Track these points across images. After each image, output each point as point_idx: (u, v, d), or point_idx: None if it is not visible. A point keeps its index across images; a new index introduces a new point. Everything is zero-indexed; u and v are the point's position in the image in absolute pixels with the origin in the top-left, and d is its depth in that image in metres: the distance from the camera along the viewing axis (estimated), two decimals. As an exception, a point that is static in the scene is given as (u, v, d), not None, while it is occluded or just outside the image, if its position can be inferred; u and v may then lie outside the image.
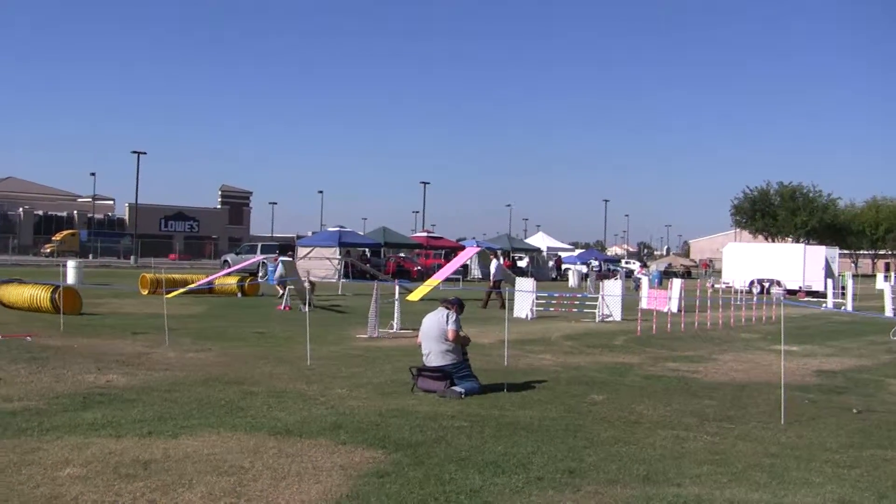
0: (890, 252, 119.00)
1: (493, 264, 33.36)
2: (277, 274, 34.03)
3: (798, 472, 8.38)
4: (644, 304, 30.33)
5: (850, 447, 9.61)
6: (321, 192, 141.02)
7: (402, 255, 61.66)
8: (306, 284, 27.35)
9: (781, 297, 37.07)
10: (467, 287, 43.57)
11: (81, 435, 8.93)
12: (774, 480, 8.01)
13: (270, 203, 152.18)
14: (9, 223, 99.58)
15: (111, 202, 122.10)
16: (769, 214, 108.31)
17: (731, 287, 45.55)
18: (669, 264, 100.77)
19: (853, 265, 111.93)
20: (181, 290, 32.26)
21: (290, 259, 37.01)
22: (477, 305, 30.11)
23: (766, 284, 52.41)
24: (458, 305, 12.97)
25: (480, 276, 56.04)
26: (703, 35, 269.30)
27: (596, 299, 28.52)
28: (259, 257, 46.85)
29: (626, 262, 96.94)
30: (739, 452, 9.10)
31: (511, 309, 25.26)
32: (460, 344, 12.68)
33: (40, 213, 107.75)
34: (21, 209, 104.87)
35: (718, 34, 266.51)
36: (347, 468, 7.95)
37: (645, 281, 39.31)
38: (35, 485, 7.18)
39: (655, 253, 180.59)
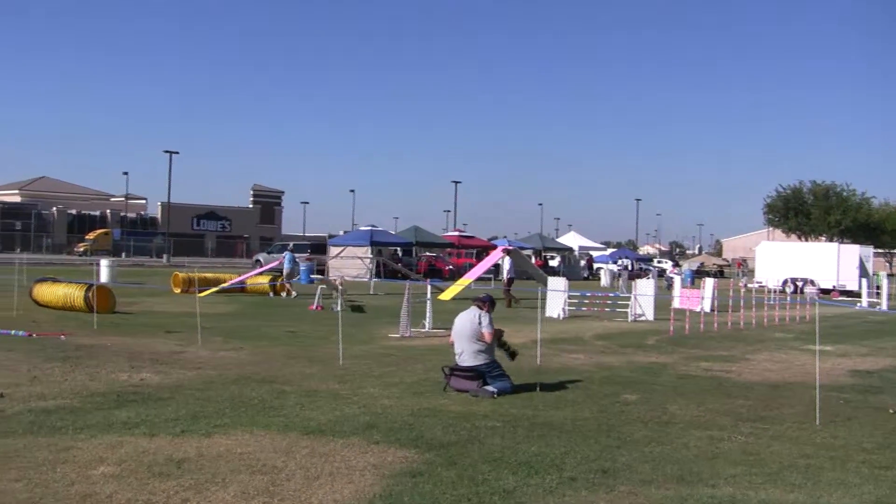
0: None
1: (506, 262, 33.24)
2: (285, 274, 34.20)
3: (834, 472, 8.31)
4: (676, 304, 30.18)
5: (886, 448, 9.52)
6: (353, 191, 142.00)
7: (428, 253, 61.51)
8: (339, 284, 27.38)
9: (815, 297, 36.89)
10: (499, 286, 43.46)
11: (115, 433, 8.98)
12: (810, 481, 7.95)
13: (302, 202, 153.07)
14: (42, 222, 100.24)
15: (144, 201, 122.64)
16: (802, 213, 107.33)
17: (764, 286, 45.24)
18: (702, 263, 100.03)
19: (888, 264, 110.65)
20: (213, 289, 32.38)
21: (291, 254, 37.11)
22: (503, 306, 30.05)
23: (800, 284, 52.03)
24: (489, 303, 12.95)
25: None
26: (726, 33, 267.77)
27: (628, 299, 28.43)
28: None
29: (658, 262, 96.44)
30: (774, 453, 9.04)
31: (543, 308, 25.23)
32: (495, 344, 12.69)
33: (74, 212, 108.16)
34: (55, 208, 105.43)
35: (755, 31, 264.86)
36: (380, 468, 7.95)
37: (677, 280, 39.15)
38: (69, 483, 7.22)
39: (687, 252, 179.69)
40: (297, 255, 47.23)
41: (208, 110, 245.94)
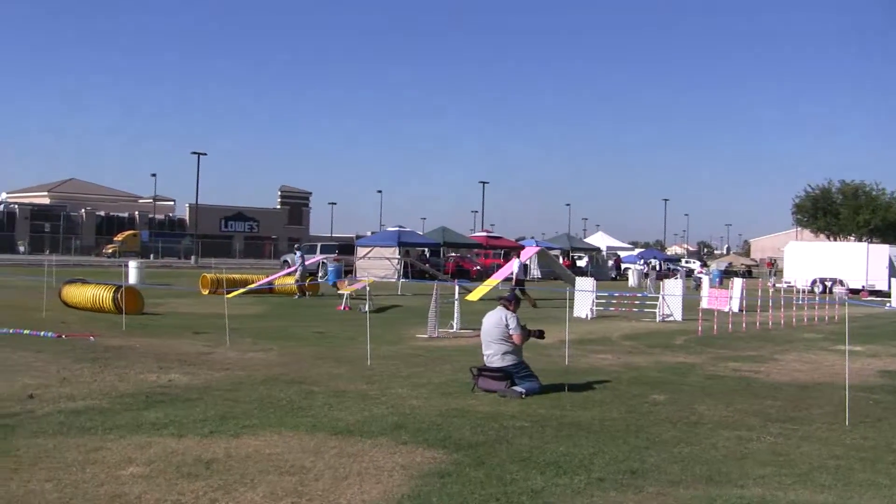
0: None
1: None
2: (298, 275, 34.27)
3: (864, 473, 8.25)
4: (705, 304, 30.08)
5: (917, 449, 9.45)
6: (380, 191, 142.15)
7: (454, 254, 61.44)
8: (358, 285, 27.45)
9: (844, 297, 36.66)
10: (527, 287, 43.43)
11: (144, 434, 9.02)
12: (840, 482, 7.90)
13: (330, 203, 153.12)
14: (71, 224, 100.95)
15: (172, 203, 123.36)
16: (831, 213, 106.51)
17: (792, 286, 45.02)
18: (730, 263, 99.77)
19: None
20: (241, 290, 32.51)
21: (300, 255, 37.15)
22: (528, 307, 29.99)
23: (829, 284, 51.70)
24: (514, 301, 12.98)
25: (540, 276, 55.89)
26: (753, 29, 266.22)
27: (656, 299, 28.34)
28: (319, 257, 47.08)
29: (686, 262, 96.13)
30: (803, 454, 8.99)
31: (571, 308, 25.17)
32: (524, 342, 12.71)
33: (102, 214, 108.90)
34: (83, 210, 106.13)
35: (787, 29, 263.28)
36: (408, 468, 7.95)
37: (705, 280, 39.00)
38: (99, 483, 7.26)
39: (715, 252, 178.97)
40: (325, 255, 47.52)
41: (236, 111, 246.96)
